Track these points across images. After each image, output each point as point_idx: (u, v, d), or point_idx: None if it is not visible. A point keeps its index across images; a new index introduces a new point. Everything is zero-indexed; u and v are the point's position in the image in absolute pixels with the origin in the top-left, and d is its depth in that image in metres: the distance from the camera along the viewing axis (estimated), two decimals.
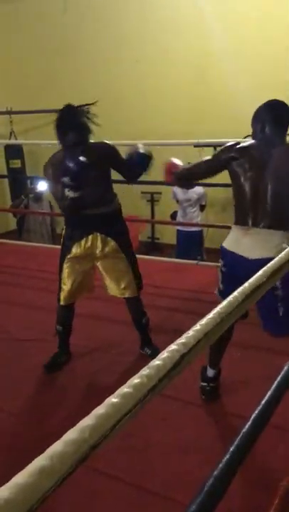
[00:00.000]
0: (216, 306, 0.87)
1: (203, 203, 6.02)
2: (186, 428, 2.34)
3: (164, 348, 0.71)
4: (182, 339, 0.73)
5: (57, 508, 1.70)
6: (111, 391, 0.60)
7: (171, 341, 0.72)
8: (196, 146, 4.64)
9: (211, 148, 4.50)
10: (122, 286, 2.82)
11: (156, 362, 0.66)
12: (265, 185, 2.13)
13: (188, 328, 0.79)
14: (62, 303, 2.85)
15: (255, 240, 2.14)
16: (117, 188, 2.85)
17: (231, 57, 5.94)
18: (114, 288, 2.84)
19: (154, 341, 3.00)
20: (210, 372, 2.53)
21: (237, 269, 2.14)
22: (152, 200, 7.11)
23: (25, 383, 2.77)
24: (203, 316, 0.88)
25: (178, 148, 5.25)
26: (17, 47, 7.37)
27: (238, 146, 2.24)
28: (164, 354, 0.68)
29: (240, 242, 2.17)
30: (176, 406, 2.47)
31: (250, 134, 2.30)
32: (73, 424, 0.55)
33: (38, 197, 6.29)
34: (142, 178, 2.80)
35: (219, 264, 2.33)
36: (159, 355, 0.68)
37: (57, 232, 6.25)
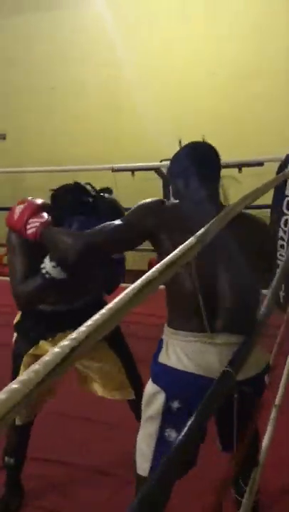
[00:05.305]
0: None
1: None
2: None
3: None
4: None
5: None
6: None
7: None
8: (114, 170, 4.62)
9: (129, 173, 4.53)
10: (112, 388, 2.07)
11: None
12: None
13: None
14: (18, 422, 1.98)
15: None
16: None
17: (141, 86, 6.14)
18: (100, 390, 2.09)
19: None
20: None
21: None
22: None
23: None
24: None
25: (94, 173, 5.28)
26: None
27: (159, 209, 1.56)
28: None
29: None
30: None
31: (167, 158, 1.78)
32: None
33: None
34: None
35: None
36: None
37: None
